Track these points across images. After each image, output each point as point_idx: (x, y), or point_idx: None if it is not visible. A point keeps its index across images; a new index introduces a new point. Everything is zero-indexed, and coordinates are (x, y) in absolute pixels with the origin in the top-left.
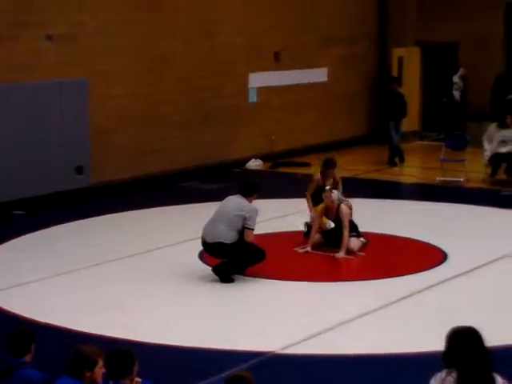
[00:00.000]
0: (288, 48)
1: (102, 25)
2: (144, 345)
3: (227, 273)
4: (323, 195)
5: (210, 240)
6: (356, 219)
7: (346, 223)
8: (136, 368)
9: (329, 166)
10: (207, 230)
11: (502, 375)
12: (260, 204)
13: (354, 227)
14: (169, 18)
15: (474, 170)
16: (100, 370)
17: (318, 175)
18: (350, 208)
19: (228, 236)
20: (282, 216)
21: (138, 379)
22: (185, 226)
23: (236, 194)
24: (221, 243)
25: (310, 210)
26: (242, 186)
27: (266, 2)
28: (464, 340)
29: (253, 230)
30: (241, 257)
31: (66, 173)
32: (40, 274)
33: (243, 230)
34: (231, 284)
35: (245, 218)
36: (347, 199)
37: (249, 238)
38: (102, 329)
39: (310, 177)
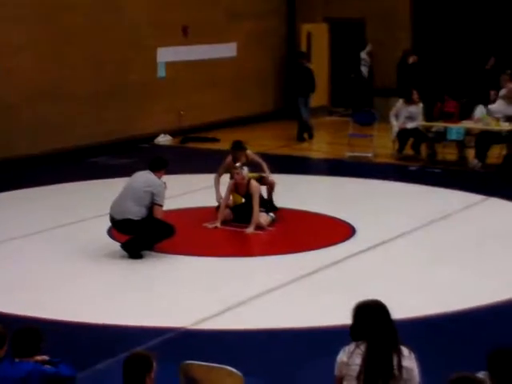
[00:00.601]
0: (196, 23)
1: None
2: (52, 322)
3: (136, 249)
4: (234, 171)
5: (118, 216)
6: (265, 194)
7: (256, 198)
8: (42, 346)
9: (237, 147)
10: (115, 206)
11: (408, 347)
12: (169, 179)
13: (263, 203)
14: None
15: (381, 145)
16: (4, 348)
17: (228, 158)
18: (273, 185)
19: (136, 212)
20: (191, 191)
21: (44, 357)
22: (93, 201)
23: (144, 169)
24: (129, 220)
25: (217, 193)
26: (151, 162)
27: None
28: (370, 313)
29: (161, 205)
30: (149, 233)
31: None
32: None
33: (152, 206)
34: (140, 260)
35: (153, 194)
36: (271, 175)
37: (158, 214)
38: (7, 307)
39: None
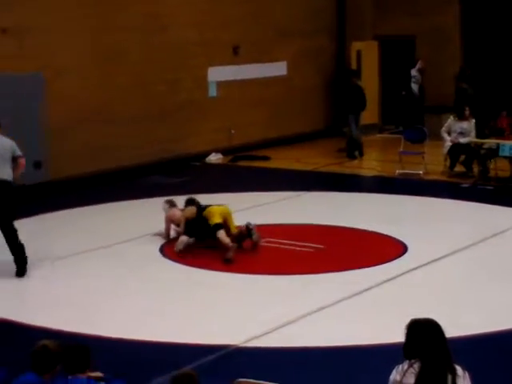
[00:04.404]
0: (246, 42)
1: (54, 20)
2: (103, 339)
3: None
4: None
5: None
6: (316, 212)
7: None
8: (92, 362)
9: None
10: None
11: (462, 366)
12: (220, 197)
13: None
14: (122, 12)
15: (432, 162)
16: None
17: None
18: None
19: (8, 171)
20: (240, 210)
21: (99, 373)
22: (146, 219)
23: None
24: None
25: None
26: None
27: None
28: (424, 331)
29: (23, 156)
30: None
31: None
32: None
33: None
34: (192, 279)
35: (13, 150)
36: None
37: (23, 164)
38: (60, 324)
39: None
